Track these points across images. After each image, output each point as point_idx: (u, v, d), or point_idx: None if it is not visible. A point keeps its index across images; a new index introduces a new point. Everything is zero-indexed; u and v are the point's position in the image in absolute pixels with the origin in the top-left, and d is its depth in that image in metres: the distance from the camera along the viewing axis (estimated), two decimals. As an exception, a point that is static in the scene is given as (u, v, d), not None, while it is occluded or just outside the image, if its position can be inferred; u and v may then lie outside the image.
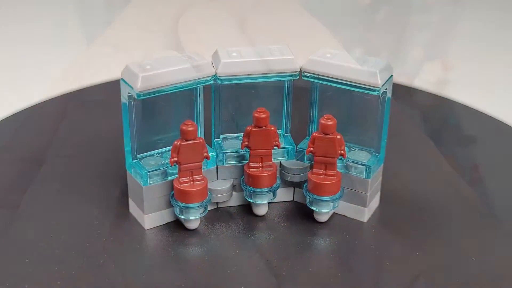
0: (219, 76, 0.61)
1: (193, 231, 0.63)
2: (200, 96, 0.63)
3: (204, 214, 0.63)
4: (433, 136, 0.81)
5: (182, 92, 0.62)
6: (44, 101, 0.87)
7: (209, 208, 0.66)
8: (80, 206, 0.66)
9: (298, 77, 0.62)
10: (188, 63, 0.60)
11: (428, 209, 0.67)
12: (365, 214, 0.65)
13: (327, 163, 0.62)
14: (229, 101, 0.65)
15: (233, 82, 0.62)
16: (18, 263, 0.58)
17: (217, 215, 0.66)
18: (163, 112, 0.63)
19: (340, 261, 0.60)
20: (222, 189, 0.65)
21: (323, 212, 0.63)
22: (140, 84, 0.57)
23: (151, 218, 0.63)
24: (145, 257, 0.60)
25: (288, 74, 0.62)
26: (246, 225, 0.64)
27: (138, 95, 0.58)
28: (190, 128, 0.59)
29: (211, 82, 0.61)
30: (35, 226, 0.63)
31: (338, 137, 0.61)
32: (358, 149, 0.65)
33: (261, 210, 0.65)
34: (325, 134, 0.60)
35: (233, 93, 0.64)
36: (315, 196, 0.62)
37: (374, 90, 0.59)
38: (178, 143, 0.59)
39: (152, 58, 0.60)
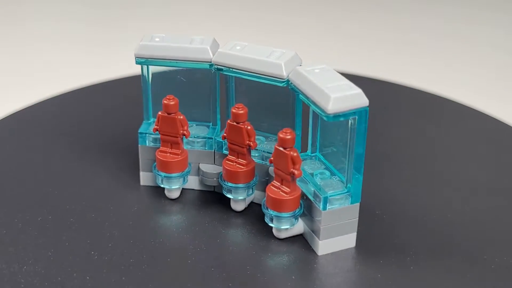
0: (214, 64, 0.63)
1: (177, 201, 0.67)
2: (214, 81, 0.66)
3: (176, 187, 0.66)
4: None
5: (202, 74, 0.66)
6: (51, 98, 0.92)
7: (205, 189, 0.69)
8: (103, 158, 0.74)
9: (284, 85, 0.61)
10: (190, 44, 0.63)
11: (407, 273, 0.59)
12: (318, 246, 0.60)
13: (282, 178, 0.60)
14: (243, 95, 0.66)
15: (225, 73, 0.63)
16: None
17: (207, 197, 0.68)
18: (182, 87, 0.67)
19: (241, 276, 0.58)
20: (211, 173, 0.67)
21: (272, 225, 0.61)
22: (137, 51, 0.64)
23: (145, 176, 0.69)
24: (116, 208, 0.67)
25: (272, 78, 0.61)
26: (217, 214, 0.66)
27: (135, 60, 0.64)
28: (172, 103, 0.63)
29: (206, 67, 0.64)
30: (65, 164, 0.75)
31: (294, 154, 0.58)
32: (339, 180, 0.61)
33: (236, 206, 0.66)
34: (284, 148, 0.58)
35: (247, 89, 0.65)
36: (266, 208, 0.61)
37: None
38: (160, 114, 0.64)
39: (171, 33, 0.66)
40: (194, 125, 0.69)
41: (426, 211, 0.67)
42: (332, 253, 0.61)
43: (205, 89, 0.67)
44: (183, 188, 0.69)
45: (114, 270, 0.58)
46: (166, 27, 2.11)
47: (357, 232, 0.62)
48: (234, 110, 0.62)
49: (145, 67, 0.66)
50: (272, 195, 0.60)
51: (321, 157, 0.63)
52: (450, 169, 0.75)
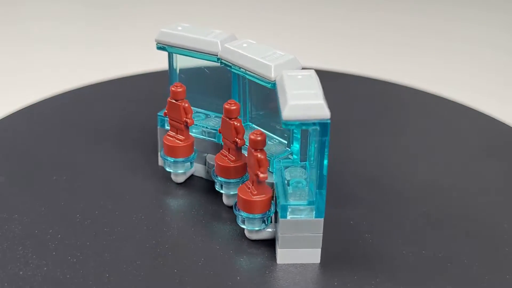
0: (220, 58, 0.64)
1: (183, 186, 0.70)
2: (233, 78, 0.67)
3: (180, 172, 0.68)
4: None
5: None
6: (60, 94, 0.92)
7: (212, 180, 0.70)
8: (127, 141, 0.78)
9: (272, 87, 0.60)
10: (204, 36, 0.65)
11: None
12: (278, 254, 0.59)
13: (253, 180, 0.59)
14: (256, 95, 0.67)
15: (228, 68, 0.64)
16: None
17: (213, 187, 0.69)
18: (209, 79, 0.69)
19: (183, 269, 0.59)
20: (212, 163, 0.68)
21: (243, 226, 0.61)
22: (157, 37, 0.67)
23: (162, 158, 0.72)
24: (123, 182, 0.71)
25: (262, 79, 0.60)
26: (210, 205, 0.67)
27: (156, 45, 0.68)
28: (179, 89, 0.66)
29: (215, 60, 0.65)
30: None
31: (260, 156, 0.58)
32: (308, 190, 0.59)
33: (228, 201, 0.66)
34: (254, 149, 0.58)
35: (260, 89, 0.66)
36: (235, 208, 0.61)
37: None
38: (168, 99, 0.67)
39: (197, 25, 0.68)
40: (213, 116, 0.71)
41: (417, 242, 0.63)
42: (293, 264, 0.59)
43: (226, 82, 0.68)
44: (194, 175, 0.71)
45: (86, 234, 0.62)
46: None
47: (337, 249, 0.60)
48: (226, 106, 0.62)
49: (171, 54, 0.69)
50: (241, 195, 0.60)
51: (308, 166, 0.62)
52: (449, 175, 0.74)
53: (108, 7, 2.39)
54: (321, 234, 0.58)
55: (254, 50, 0.62)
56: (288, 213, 0.57)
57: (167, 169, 0.69)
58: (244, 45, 0.63)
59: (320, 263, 0.59)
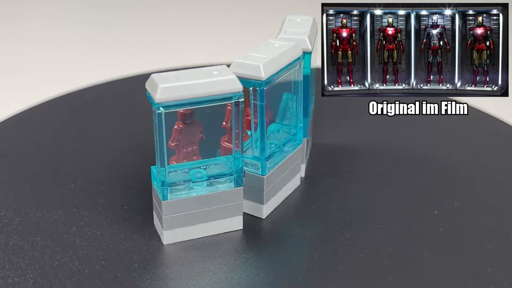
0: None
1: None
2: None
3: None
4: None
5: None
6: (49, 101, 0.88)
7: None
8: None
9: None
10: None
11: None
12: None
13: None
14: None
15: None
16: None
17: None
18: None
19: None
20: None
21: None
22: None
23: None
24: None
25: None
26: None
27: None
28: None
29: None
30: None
31: (175, 126, 0.62)
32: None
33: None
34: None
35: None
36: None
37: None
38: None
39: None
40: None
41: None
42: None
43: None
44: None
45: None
46: (165, 27, 2.08)
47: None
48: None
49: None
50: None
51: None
52: (446, 176, 0.74)
53: (108, 7, 2.31)
54: (163, 217, 0.59)
55: (265, 48, 0.64)
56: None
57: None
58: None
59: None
